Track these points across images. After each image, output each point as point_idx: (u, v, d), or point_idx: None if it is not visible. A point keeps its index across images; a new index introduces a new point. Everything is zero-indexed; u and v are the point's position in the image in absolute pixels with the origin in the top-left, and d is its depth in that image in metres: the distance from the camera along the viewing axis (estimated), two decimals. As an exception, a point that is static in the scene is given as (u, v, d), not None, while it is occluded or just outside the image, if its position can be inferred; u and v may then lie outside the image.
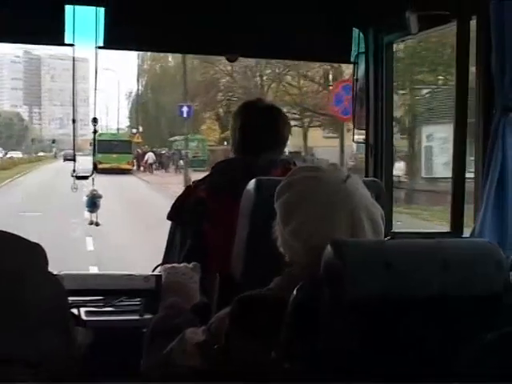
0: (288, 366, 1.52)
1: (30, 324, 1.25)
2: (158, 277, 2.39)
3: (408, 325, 1.52)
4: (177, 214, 2.87)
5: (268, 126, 2.86)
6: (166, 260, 2.78)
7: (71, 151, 3.27)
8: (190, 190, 2.88)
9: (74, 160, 3.38)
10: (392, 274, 1.48)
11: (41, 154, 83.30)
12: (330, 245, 1.51)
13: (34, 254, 1.34)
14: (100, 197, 3.64)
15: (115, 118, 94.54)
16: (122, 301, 2.76)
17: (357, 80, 3.62)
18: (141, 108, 57.69)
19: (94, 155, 3.45)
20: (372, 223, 1.73)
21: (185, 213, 2.82)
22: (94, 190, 3.60)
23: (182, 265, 2.32)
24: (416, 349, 1.52)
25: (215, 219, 2.68)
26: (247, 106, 3.05)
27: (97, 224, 3.82)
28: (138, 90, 59.77)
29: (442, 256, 1.54)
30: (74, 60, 3.22)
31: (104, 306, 2.75)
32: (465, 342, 1.45)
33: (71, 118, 3.65)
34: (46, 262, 1.35)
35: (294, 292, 1.53)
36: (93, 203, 3.63)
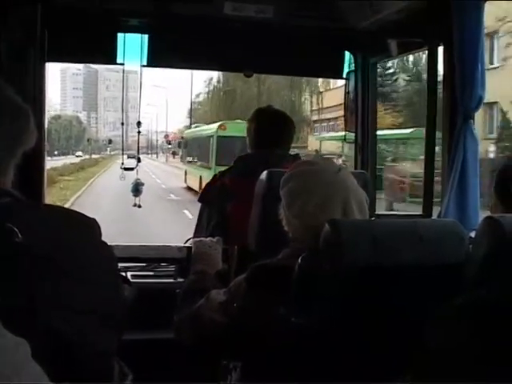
0: (294, 319, 1.51)
1: (91, 281, 1.24)
2: (189, 248, 2.37)
3: (390, 286, 1.52)
4: (205, 196, 2.84)
5: (276, 126, 2.84)
6: (195, 234, 2.77)
7: (133, 152, 3.29)
8: (216, 178, 2.85)
9: (135, 158, 3.40)
10: (378, 247, 1.47)
11: (79, 153, 67.43)
12: (327, 223, 1.50)
13: (91, 227, 1.30)
14: (142, 184, 3.65)
15: (185, 113, 64.75)
16: (159, 267, 2.76)
17: (348, 92, 3.60)
18: (224, 98, 38.42)
19: (138, 153, 3.44)
20: (359, 206, 1.71)
21: (211, 196, 2.80)
22: (138, 179, 3.61)
23: (207, 238, 2.30)
24: (397, 304, 1.52)
25: (235, 201, 2.66)
26: (260, 111, 3.01)
27: (139, 206, 3.83)
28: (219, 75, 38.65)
29: (418, 232, 1.53)
30: (123, 72, 3.26)
31: (145, 271, 2.74)
32: (435, 302, 1.42)
33: (123, 122, 3.65)
34: (100, 234, 1.32)
35: (299, 260, 1.53)
36: (136, 189, 3.65)
